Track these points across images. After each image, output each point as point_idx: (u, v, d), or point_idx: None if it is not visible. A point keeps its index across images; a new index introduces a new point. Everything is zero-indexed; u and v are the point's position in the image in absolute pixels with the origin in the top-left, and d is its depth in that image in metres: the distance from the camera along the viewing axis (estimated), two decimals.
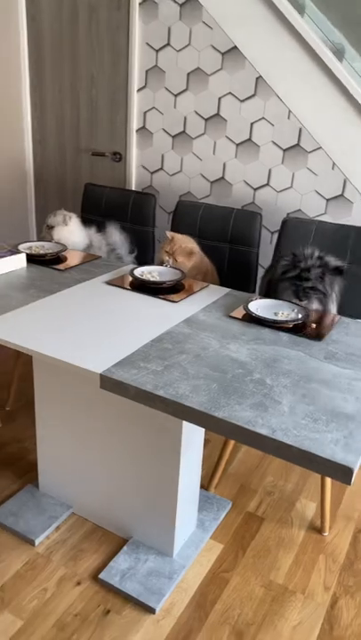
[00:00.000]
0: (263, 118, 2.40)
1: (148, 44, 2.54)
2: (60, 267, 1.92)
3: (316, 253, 1.63)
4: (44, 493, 1.94)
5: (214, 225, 2.27)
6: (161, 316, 1.58)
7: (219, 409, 1.14)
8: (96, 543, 1.79)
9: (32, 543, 1.76)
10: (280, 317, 1.56)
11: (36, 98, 2.93)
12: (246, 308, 1.58)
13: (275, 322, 1.53)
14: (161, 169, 2.72)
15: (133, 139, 2.73)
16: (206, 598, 1.63)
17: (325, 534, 1.89)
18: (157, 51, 2.53)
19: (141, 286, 1.79)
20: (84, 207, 2.59)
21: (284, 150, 2.39)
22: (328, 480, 1.84)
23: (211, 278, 2.06)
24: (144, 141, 2.71)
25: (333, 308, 1.66)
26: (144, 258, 2.43)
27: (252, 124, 2.43)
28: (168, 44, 2.50)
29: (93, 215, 2.56)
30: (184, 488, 1.65)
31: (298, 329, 1.54)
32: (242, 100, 2.42)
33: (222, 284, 2.27)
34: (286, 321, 1.53)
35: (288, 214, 2.47)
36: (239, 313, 1.62)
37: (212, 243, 2.28)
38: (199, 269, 2.02)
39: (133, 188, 2.81)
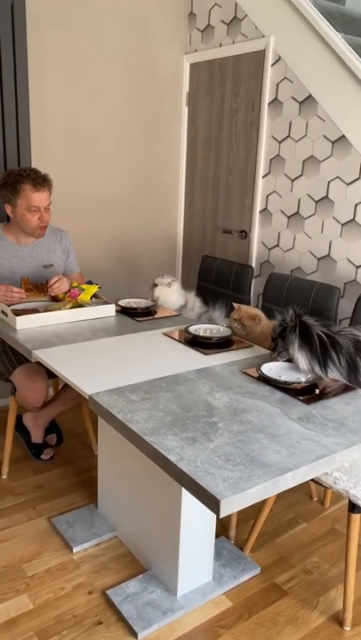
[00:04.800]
0: None
1: (273, 136, 2.86)
2: (140, 318, 2.27)
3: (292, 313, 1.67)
4: (99, 513, 2.21)
5: (298, 296, 2.38)
6: (183, 362, 1.79)
7: (153, 435, 1.30)
8: (122, 566, 1.98)
9: (71, 550, 2.03)
10: (285, 378, 1.63)
11: (189, 186, 3.45)
12: (258, 367, 1.69)
13: (276, 382, 1.61)
14: (277, 245, 2.92)
15: (257, 218, 3.01)
16: None
17: (346, 629, 1.74)
18: (280, 142, 2.82)
19: (193, 340, 2.02)
20: (200, 276, 2.93)
21: None
22: (352, 570, 1.72)
23: None
24: (265, 221, 2.97)
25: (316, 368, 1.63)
26: None
27: (356, 205, 2.51)
28: (289, 136, 2.77)
29: (206, 283, 2.88)
30: (188, 536, 1.75)
31: (303, 392, 1.58)
32: (348, 184, 2.53)
33: None
34: (286, 382, 1.59)
35: None
36: (254, 371, 1.73)
37: None
38: (267, 336, 2.14)
39: (254, 262, 3.06)
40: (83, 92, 2.97)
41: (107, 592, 1.83)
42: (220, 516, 1.08)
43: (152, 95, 3.23)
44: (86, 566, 1.97)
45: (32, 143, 2.84)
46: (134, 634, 1.68)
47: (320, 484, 1.74)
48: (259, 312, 2.16)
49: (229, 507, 1.07)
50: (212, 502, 1.08)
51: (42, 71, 2.80)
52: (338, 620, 1.78)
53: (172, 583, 1.82)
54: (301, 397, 1.55)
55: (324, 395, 1.58)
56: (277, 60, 2.75)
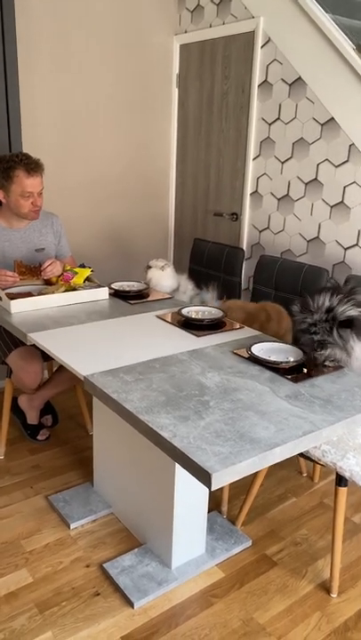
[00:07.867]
0: (355, 182, 2.50)
1: (263, 118, 2.87)
2: (132, 301, 2.31)
3: (327, 303, 1.70)
4: (95, 491, 2.27)
5: (288, 278, 2.42)
6: (176, 344, 1.84)
7: (147, 414, 1.35)
8: (118, 541, 2.05)
9: (68, 526, 2.10)
10: (274, 358, 1.68)
11: (180, 168, 3.47)
12: (248, 348, 1.74)
13: (266, 361, 1.66)
14: (267, 228, 2.96)
15: (247, 201, 3.04)
16: (184, 612, 1.75)
17: (333, 596, 1.83)
18: (270, 124, 2.84)
19: (185, 322, 2.06)
20: (192, 258, 2.96)
21: None
22: (338, 541, 1.80)
23: (271, 327, 2.19)
24: (255, 203, 3.00)
25: (355, 357, 1.68)
26: None
27: (344, 187, 2.54)
28: (278, 118, 2.79)
29: (197, 265, 2.92)
30: (181, 511, 1.81)
31: (291, 371, 1.64)
32: (336, 166, 2.56)
33: None
34: (275, 362, 1.64)
35: None
36: (245, 351, 1.78)
37: (284, 294, 2.43)
38: (255, 318, 2.18)
39: (245, 245, 3.10)
40: (72, 75, 2.96)
41: (104, 565, 1.90)
42: (212, 489, 1.13)
43: (142, 77, 3.22)
44: (83, 541, 2.04)
45: (23, 128, 2.84)
46: (131, 604, 1.76)
47: (309, 459, 1.80)
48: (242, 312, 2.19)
49: (220, 480, 1.13)
50: (203, 476, 1.13)
51: (31, 55, 2.79)
52: (325, 587, 1.86)
53: (167, 556, 1.89)
54: (290, 376, 1.60)
55: (311, 374, 1.63)
56: (267, 42, 2.75)
